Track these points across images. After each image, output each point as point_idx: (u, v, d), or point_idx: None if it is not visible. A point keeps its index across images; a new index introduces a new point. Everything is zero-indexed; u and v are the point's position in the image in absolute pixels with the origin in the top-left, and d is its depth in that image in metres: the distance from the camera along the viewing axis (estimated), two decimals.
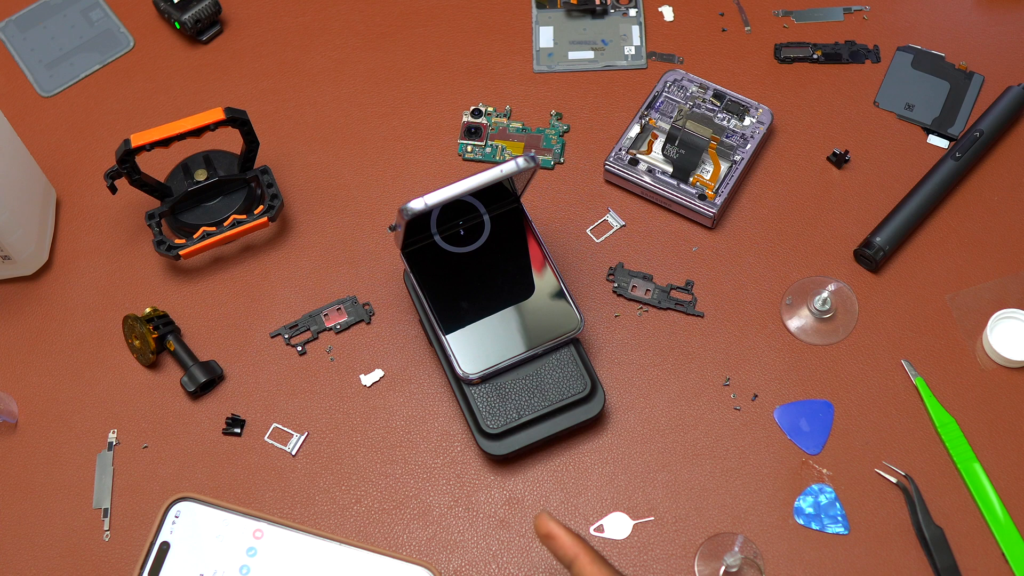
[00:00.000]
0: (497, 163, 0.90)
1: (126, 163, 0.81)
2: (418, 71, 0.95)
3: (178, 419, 0.81)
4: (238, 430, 0.81)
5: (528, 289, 0.79)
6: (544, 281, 0.80)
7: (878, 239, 0.84)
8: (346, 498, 0.78)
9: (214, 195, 0.87)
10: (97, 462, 0.80)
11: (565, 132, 0.91)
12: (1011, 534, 0.75)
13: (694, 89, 0.90)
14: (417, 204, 0.71)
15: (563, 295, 0.79)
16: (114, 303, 0.86)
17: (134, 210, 0.90)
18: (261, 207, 0.86)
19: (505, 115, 0.92)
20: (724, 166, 0.87)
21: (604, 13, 0.96)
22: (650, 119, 0.89)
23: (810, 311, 0.83)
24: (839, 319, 0.83)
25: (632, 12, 0.96)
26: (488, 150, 0.90)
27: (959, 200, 0.87)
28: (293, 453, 0.80)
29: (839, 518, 0.76)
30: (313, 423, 0.81)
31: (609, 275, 0.85)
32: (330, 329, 0.84)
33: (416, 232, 0.78)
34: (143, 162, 0.91)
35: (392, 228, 0.78)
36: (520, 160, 0.72)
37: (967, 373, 0.81)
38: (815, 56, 0.93)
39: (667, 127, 0.89)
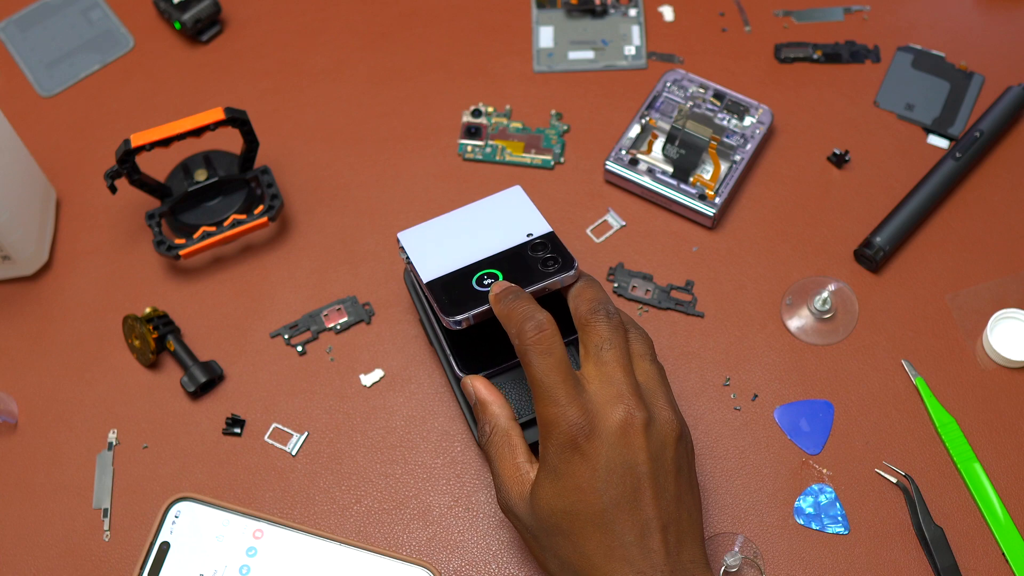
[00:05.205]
0: (497, 163, 0.90)
1: (126, 163, 0.81)
2: (418, 71, 0.95)
3: (178, 419, 0.81)
4: (238, 430, 0.81)
5: None
6: None
7: (878, 239, 0.84)
8: (346, 498, 0.78)
9: (214, 195, 0.87)
10: (97, 462, 0.80)
11: (565, 132, 0.91)
12: (1011, 534, 0.75)
13: (694, 89, 0.90)
14: (455, 325, 0.70)
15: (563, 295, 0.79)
16: (114, 303, 0.86)
17: (134, 210, 0.90)
18: (261, 207, 0.86)
19: (505, 115, 0.92)
20: (724, 166, 0.87)
21: (604, 13, 0.96)
22: (650, 119, 0.89)
23: (810, 311, 0.83)
24: (839, 319, 0.83)
25: (632, 12, 0.96)
26: (488, 150, 0.90)
27: (959, 200, 0.87)
28: (293, 453, 0.80)
29: (839, 518, 0.76)
30: (313, 423, 0.81)
31: (609, 275, 0.85)
32: (330, 329, 0.84)
33: None
34: (143, 162, 0.91)
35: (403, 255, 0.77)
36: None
37: (967, 373, 0.81)
38: (815, 56, 0.93)
39: (667, 127, 0.89)
